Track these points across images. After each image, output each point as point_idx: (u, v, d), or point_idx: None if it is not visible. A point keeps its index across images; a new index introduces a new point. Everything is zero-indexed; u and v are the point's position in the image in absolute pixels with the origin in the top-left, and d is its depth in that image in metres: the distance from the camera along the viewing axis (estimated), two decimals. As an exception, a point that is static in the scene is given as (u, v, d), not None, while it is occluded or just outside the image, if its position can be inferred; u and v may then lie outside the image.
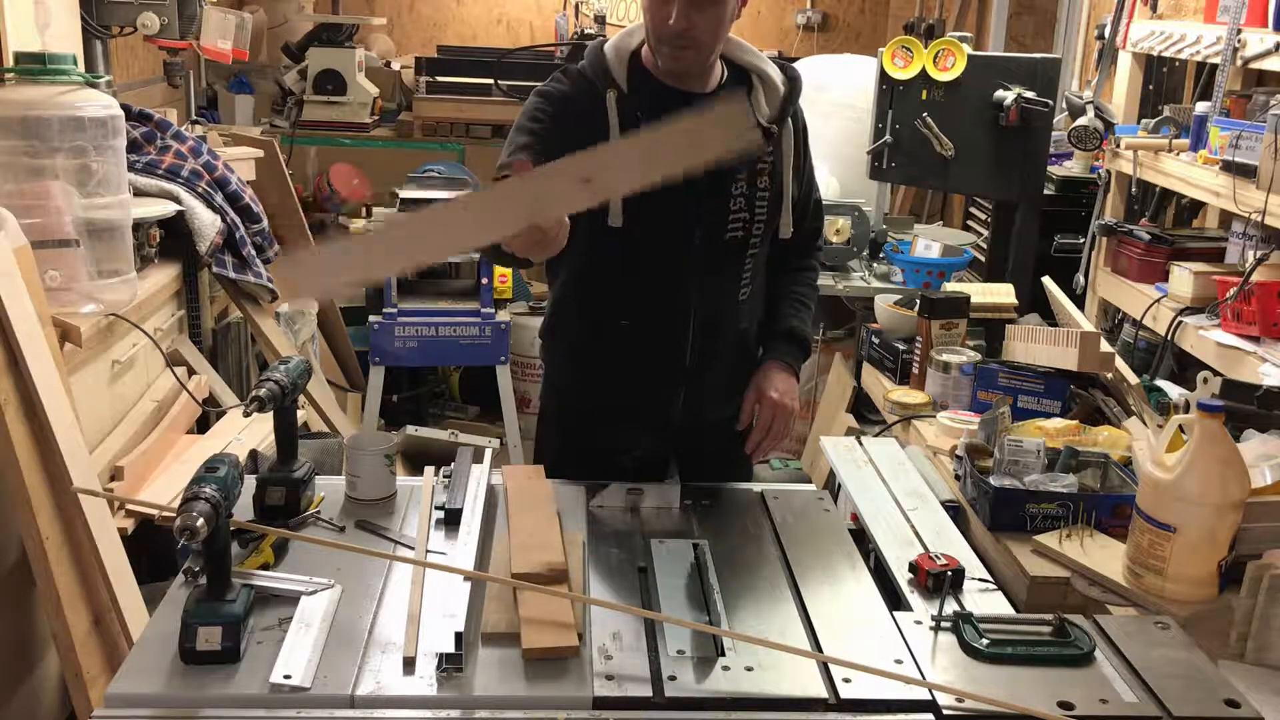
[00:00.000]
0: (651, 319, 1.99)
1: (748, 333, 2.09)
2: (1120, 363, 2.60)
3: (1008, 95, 3.47)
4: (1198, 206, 3.50)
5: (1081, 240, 3.65)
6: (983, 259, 3.92)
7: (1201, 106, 3.05)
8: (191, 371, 3.03)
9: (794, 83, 1.98)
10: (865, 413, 3.40)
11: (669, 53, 1.86)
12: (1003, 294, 3.05)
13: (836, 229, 3.81)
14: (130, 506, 2.39)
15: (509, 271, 4.13)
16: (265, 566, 1.60)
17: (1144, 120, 3.44)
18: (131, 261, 2.63)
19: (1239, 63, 2.96)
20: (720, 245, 1.96)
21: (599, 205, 1.74)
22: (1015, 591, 1.85)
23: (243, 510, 1.68)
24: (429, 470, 1.93)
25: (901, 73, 3.70)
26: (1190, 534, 1.71)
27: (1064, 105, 3.79)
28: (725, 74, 1.97)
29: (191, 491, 1.39)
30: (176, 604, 1.45)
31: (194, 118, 4.58)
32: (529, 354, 4.28)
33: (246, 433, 2.80)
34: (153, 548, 2.57)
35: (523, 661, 1.41)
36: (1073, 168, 3.92)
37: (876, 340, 3.05)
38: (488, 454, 1.95)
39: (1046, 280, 3.04)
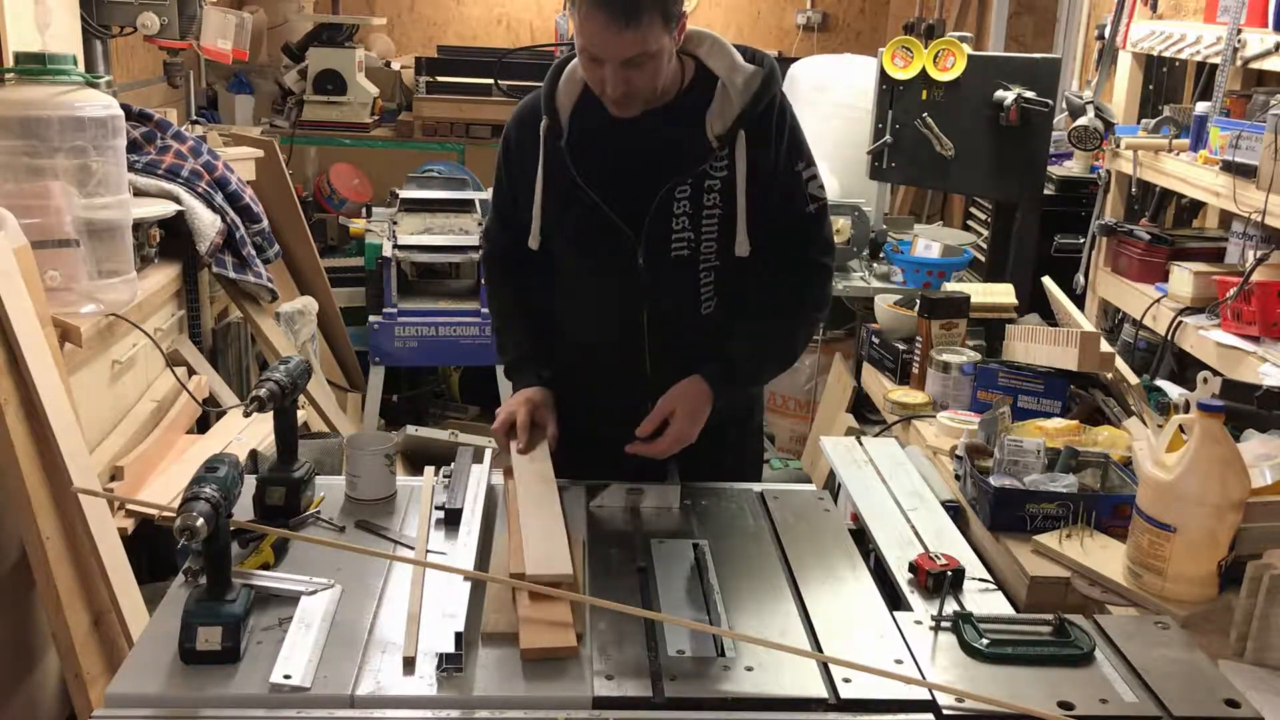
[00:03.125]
0: (606, 334, 1.99)
1: (722, 345, 1.99)
2: (1120, 363, 2.60)
3: (1008, 95, 3.46)
4: (1198, 206, 3.50)
5: (1081, 240, 3.65)
6: (983, 259, 3.92)
7: (1201, 106, 3.05)
8: (191, 371, 3.03)
9: (762, 88, 1.83)
10: (865, 413, 3.40)
11: (612, 105, 1.81)
12: (1003, 294, 3.05)
13: (836, 229, 3.81)
14: (130, 506, 2.39)
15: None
16: (265, 566, 1.60)
17: (1144, 120, 3.44)
18: (131, 261, 2.63)
19: (1239, 63, 2.96)
20: (667, 263, 1.89)
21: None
22: (1015, 591, 1.85)
23: (243, 510, 1.68)
24: (429, 470, 1.93)
25: (901, 73, 3.70)
26: (1190, 534, 1.71)
27: (1064, 105, 3.79)
28: (687, 79, 1.87)
29: (191, 491, 1.39)
30: (176, 604, 1.45)
31: (194, 118, 4.59)
32: (529, 354, 4.28)
33: (246, 433, 2.80)
34: (153, 548, 2.57)
35: (522, 661, 1.41)
36: (1073, 168, 3.92)
37: (876, 340, 3.05)
38: (488, 454, 1.95)
39: (1046, 280, 3.04)
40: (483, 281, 2.21)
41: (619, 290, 1.94)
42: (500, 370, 2.14)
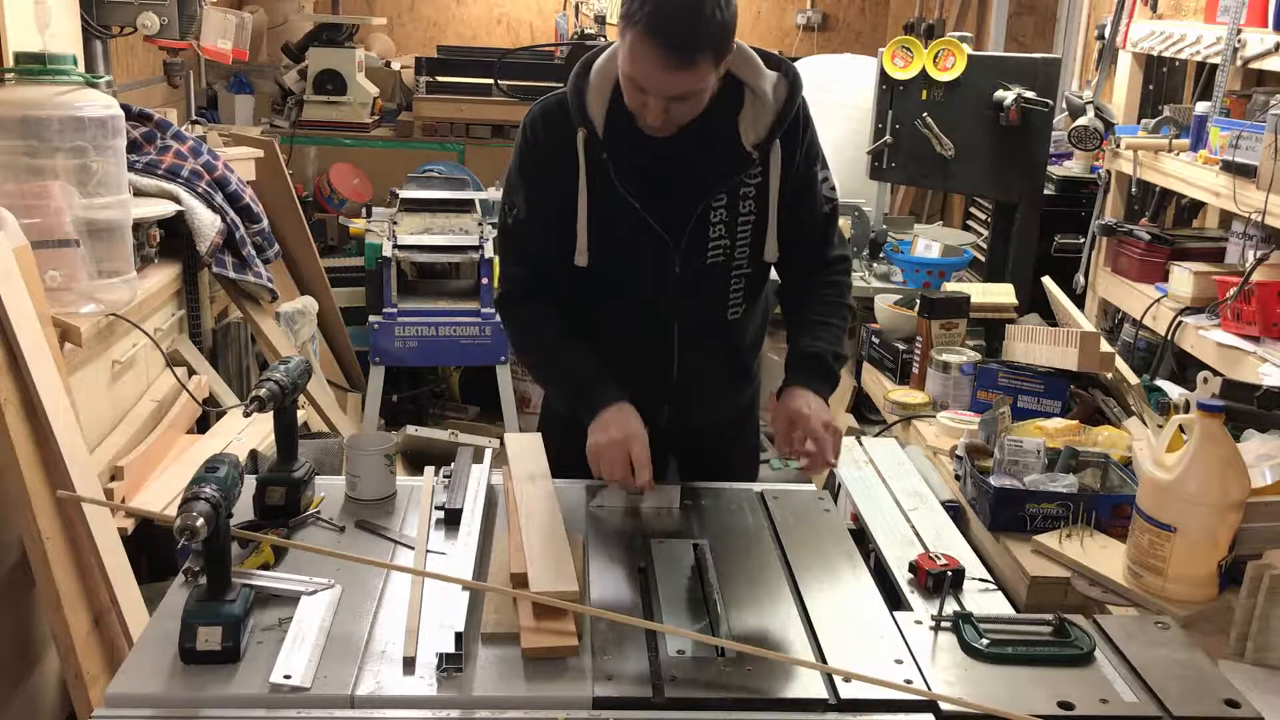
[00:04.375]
0: (636, 338, 1.97)
1: (741, 348, 2.07)
2: (1120, 363, 2.60)
3: (1008, 95, 3.47)
4: (1198, 206, 3.50)
5: (1081, 240, 3.65)
6: (983, 259, 3.92)
7: (1201, 106, 3.05)
8: (191, 371, 3.03)
9: (791, 95, 1.84)
10: (865, 413, 3.40)
11: (644, 127, 1.78)
12: (1003, 294, 3.05)
13: (837, 229, 3.81)
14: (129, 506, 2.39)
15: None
16: (265, 566, 1.60)
17: (1144, 120, 3.44)
18: (131, 261, 2.63)
19: (1239, 63, 2.96)
20: (701, 270, 1.90)
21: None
22: (1015, 591, 1.85)
23: (243, 510, 1.68)
24: (429, 470, 1.93)
25: (901, 73, 3.70)
26: (1190, 534, 1.71)
27: (1064, 105, 3.79)
28: (717, 89, 1.83)
29: (191, 491, 1.38)
30: (176, 604, 1.45)
31: (194, 118, 4.59)
32: (529, 354, 4.28)
33: (246, 433, 2.80)
34: (153, 548, 2.57)
35: (522, 661, 1.41)
36: (1073, 168, 3.93)
37: (876, 340, 3.05)
38: (488, 454, 1.95)
39: (1046, 280, 3.05)
40: (507, 319, 2.05)
41: (654, 297, 1.93)
42: (555, 400, 2.06)
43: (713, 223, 1.87)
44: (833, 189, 2.00)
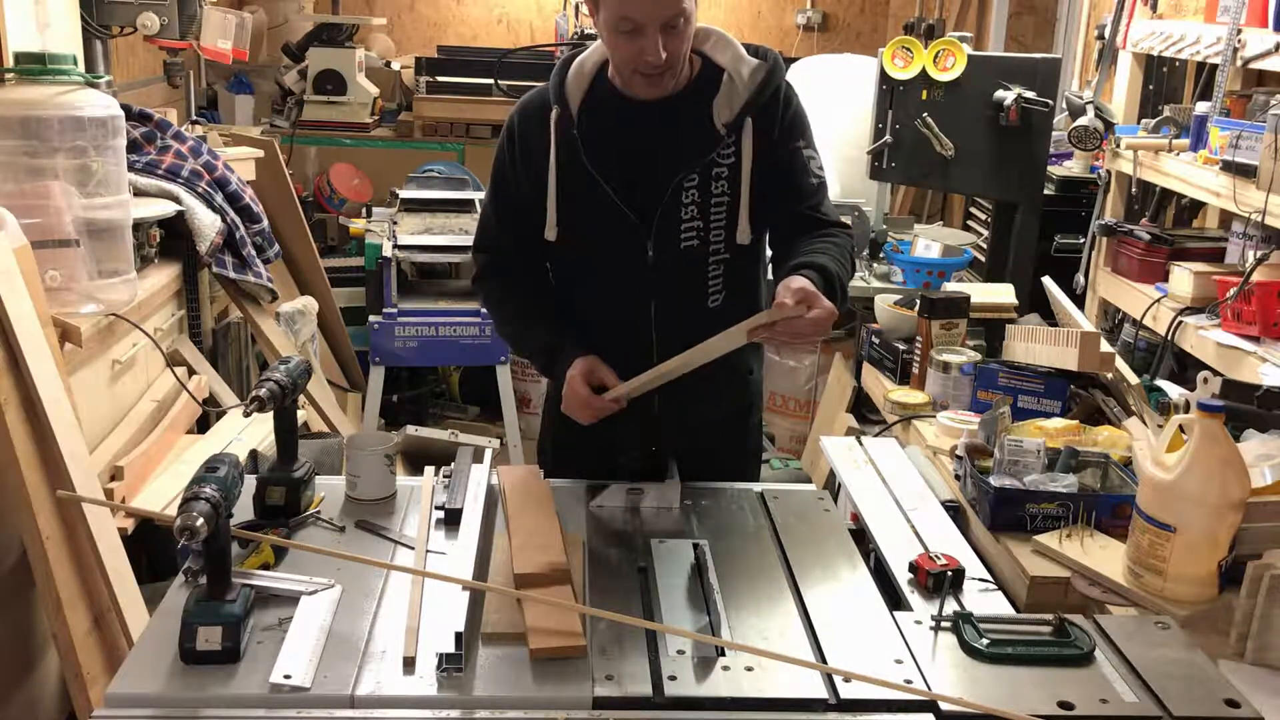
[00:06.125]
0: (614, 326, 1.97)
1: None
2: (1120, 363, 2.60)
3: (1008, 95, 3.46)
4: (1198, 206, 3.50)
5: (1081, 240, 3.65)
6: (983, 259, 3.92)
7: (1201, 106, 3.05)
8: (191, 371, 3.03)
9: (768, 78, 1.87)
10: (865, 413, 3.40)
11: (645, 81, 1.83)
12: (1003, 294, 3.05)
13: (836, 229, 3.81)
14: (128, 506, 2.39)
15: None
16: (265, 566, 1.60)
17: (1144, 120, 3.44)
18: (131, 261, 2.63)
19: (1239, 63, 2.96)
20: (676, 255, 1.91)
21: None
22: (1015, 591, 1.85)
23: (243, 510, 1.68)
24: (429, 470, 1.93)
25: (901, 73, 3.70)
26: (1190, 534, 1.71)
27: (1064, 105, 3.79)
28: (694, 73, 1.90)
29: (191, 491, 1.39)
30: (176, 604, 1.45)
31: (194, 118, 4.58)
32: (529, 354, 4.28)
33: (246, 433, 2.80)
34: (153, 548, 2.57)
35: (523, 661, 1.41)
36: (1073, 168, 3.92)
37: (876, 340, 3.05)
38: (488, 454, 1.95)
39: (1046, 280, 3.04)
40: (481, 295, 2.12)
41: (628, 283, 1.94)
42: (537, 371, 2.10)
43: (684, 204, 1.89)
44: (820, 168, 1.99)
